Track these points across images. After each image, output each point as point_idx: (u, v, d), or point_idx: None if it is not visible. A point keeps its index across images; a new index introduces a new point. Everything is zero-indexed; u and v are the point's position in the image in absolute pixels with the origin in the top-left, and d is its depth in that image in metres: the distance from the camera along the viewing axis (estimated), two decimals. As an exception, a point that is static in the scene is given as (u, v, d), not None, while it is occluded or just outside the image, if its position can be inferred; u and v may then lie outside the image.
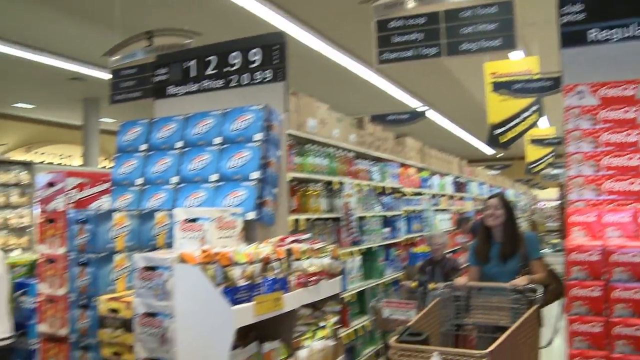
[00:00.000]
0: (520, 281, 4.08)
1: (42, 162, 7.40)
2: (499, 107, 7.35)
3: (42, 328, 3.53)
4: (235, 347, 2.94)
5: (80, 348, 3.34)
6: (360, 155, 6.53)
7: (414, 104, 13.45)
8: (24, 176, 6.90)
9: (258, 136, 3.98)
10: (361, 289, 6.06)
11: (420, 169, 8.91)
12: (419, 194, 8.55)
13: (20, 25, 8.87)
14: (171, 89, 4.95)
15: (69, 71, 11.79)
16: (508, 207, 4.55)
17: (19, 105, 16.34)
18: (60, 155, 17.85)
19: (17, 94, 15.10)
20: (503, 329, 3.55)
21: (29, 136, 18.22)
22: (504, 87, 6.84)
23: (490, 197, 4.72)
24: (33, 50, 9.84)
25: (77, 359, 3.36)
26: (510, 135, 7.42)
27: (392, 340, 3.48)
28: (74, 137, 17.25)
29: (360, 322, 5.95)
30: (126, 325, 3.13)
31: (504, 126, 7.39)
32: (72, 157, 17.46)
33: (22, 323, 3.76)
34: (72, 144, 17.84)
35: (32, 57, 10.16)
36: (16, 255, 5.54)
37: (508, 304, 4.02)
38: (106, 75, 11.28)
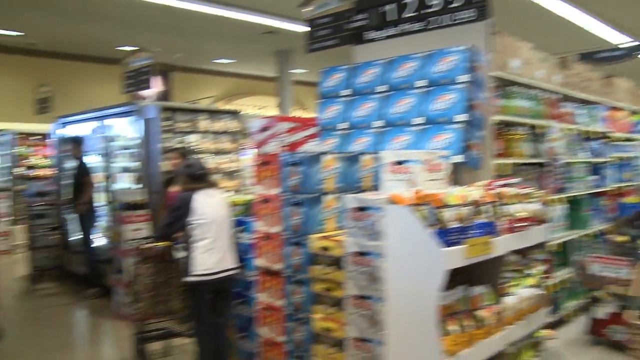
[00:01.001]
0: None
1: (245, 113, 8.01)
2: None
3: (259, 262, 3.83)
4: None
5: (294, 282, 3.58)
6: (566, 98, 6.07)
7: (621, 40, 12.13)
8: (232, 124, 7.44)
9: (463, 78, 3.86)
10: (565, 239, 5.72)
11: (632, 112, 8.08)
12: (630, 139, 7.77)
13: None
14: (370, 34, 4.96)
15: (263, 25, 12.41)
16: None
17: (220, 60, 17.61)
18: (257, 106, 19.00)
19: (217, 51, 16.27)
20: None
21: (228, 89, 19.64)
22: None
23: None
24: (231, 7, 10.47)
25: (290, 292, 3.60)
26: None
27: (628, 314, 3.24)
28: (268, 88, 18.25)
29: (563, 274, 5.63)
30: (337, 262, 3.27)
31: None
32: (267, 108, 18.51)
33: (240, 257, 4.12)
34: (267, 95, 18.88)
35: (230, 14, 10.84)
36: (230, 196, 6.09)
37: None
38: (298, 27, 11.72)
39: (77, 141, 7.41)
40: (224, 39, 14.43)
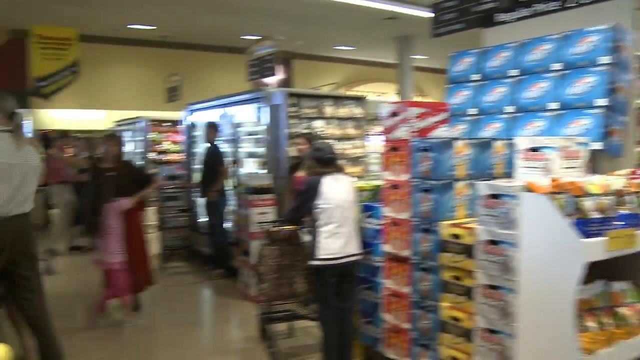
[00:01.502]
0: None
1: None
2: None
3: (387, 248, 3.85)
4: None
5: (421, 269, 3.57)
6: None
7: None
8: (357, 110, 7.51)
9: (605, 59, 3.65)
10: None
11: None
12: None
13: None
14: (500, 17, 4.80)
15: (385, 11, 12.37)
16: None
17: (340, 47, 17.79)
18: (377, 92, 19.02)
19: (338, 38, 16.45)
20: None
21: (348, 76, 19.80)
22: None
23: None
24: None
25: (418, 279, 3.60)
26: None
27: None
28: (388, 75, 18.21)
29: None
30: (467, 250, 3.23)
31: None
32: (387, 94, 18.47)
33: (367, 242, 4.17)
34: (387, 82, 18.85)
35: (353, 0, 10.89)
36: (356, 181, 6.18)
37: None
38: (419, 13, 11.59)
39: (213, 126, 7.63)
40: (345, 25, 14.55)
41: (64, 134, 9.55)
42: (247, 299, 6.55)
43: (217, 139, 7.65)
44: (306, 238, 4.55)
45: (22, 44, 13.18)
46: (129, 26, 14.75)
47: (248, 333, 5.57)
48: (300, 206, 4.33)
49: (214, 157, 7.50)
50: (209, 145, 7.59)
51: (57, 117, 15.79)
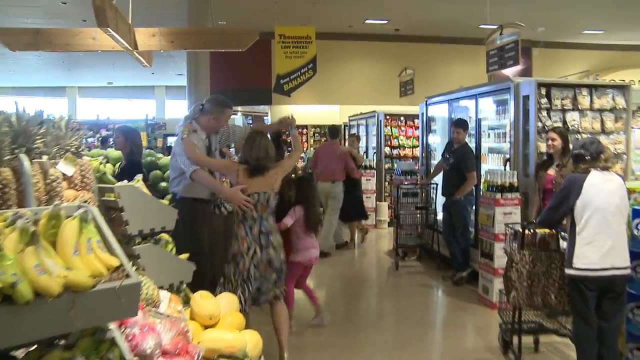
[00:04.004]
0: None
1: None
2: None
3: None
4: None
5: None
6: None
7: None
8: (618, 100, 6.72)
9: None
10: None
11: None
12: None
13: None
14: None
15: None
16: None
17: (587, 32, 16.34)
18: (632, 80, 17.11)
19: (586, 21, 15.10)
20: None
21: (595, 63, 18.09)
22: None
23: None
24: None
25: None
26: None
27: None
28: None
29: None
30: None
31: None
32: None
33: (636, 252, 3.63)
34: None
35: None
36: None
37: None
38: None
39: (462, 124, 7.34)
40: (594, 6, 13.29)
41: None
42: (486, 304, 6.24)
43: (466, 137, 7.40)
44: (564, 244, 4.15)
45: (268, 45, 14.29)
46: (366, 21, 15.15)
47: (487, 342, 5.27)
48: (557, 207, 3.99)
49: (464, 160, 7.18)
50: (457, 144, 7.32)
51: (296, 111, 16.90)
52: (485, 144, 7.57)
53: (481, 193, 6.72)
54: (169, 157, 5.23)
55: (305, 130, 18.15)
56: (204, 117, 4.68)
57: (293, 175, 5.99)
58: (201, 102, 4.85)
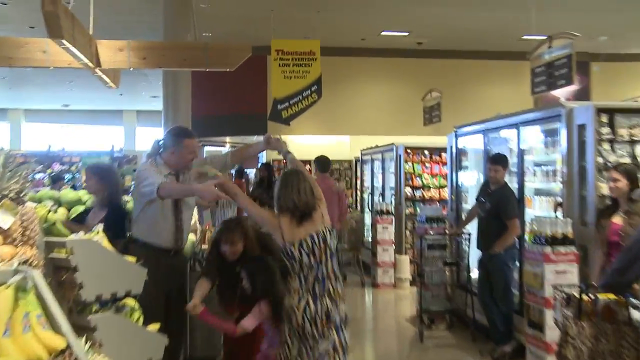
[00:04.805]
0: None
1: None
2: None
3: None
4: None
5: None
6: None
7: None
8: None
9: None
10: None
11: None
12: None
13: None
14: None
15: None
16: None
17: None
18: None
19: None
20: None
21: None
22: None
23: None
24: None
25: None
26: None
27: None
28: None
29: None
30: None
31: None
32: None
33: None
34: None
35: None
36: None
37: None
38: None
39: (501, 161, 7.25)
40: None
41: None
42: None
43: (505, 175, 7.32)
44: (635, 313, 4.04)
45: (263, 62, 14.33)
46: (382, 33, 15.21)
47: None
48: (626, 267, 3.93)
49: (503, 205, 7.08)
50: (494, 185, 7.23)
51: (295, 143, 16.85)
52: (531, 184, 7.50)
53: (526, 246, 6.62)
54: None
55: (308, 166, 18.11)
56: (165, 153, 4.96)
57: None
58: (159, 138, 5.18)
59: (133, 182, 6.02)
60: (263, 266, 4.61)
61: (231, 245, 4.72)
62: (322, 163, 9.54)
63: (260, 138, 5.25)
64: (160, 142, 5.07)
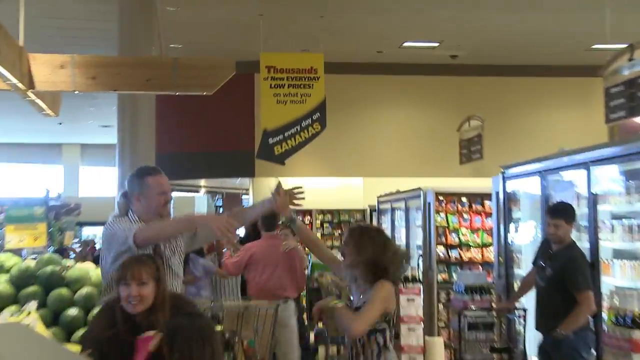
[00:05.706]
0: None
1: None
2: None
3: None
4: None
5: None
6: None
7: None
8: None
9: None
10: None
11: None
12: None
13: None
14: None
15: None
16: None
17: None
18: None
19: None
20: None
21: None
22: None
23: None
24: None
25: None
26: None
27: None
28: None
29: None
30: None
31: None
32: None
33: None
34: None
35: None
36: None
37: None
38: None
39: (565, 213, 7.07)
40: None
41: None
42: None
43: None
44: None
45: (250, 81, 14.35)
46: (404, 44, 15.20)
47: None
48: None
49: (570, 271, 6.91)
50: (557, 245, 7.11)
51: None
52: (608, 244, 7.42)
53: (605, 328, 6.56)
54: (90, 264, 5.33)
55: (309, 218, 18.09)
56: (133, 203, 4.94)
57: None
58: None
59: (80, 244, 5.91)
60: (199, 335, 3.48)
61: (138, 284, 3.94)
62: (267, 220, 9.44)
63: (246, 181, 5.22)
64: (124, 194, 5.04)
